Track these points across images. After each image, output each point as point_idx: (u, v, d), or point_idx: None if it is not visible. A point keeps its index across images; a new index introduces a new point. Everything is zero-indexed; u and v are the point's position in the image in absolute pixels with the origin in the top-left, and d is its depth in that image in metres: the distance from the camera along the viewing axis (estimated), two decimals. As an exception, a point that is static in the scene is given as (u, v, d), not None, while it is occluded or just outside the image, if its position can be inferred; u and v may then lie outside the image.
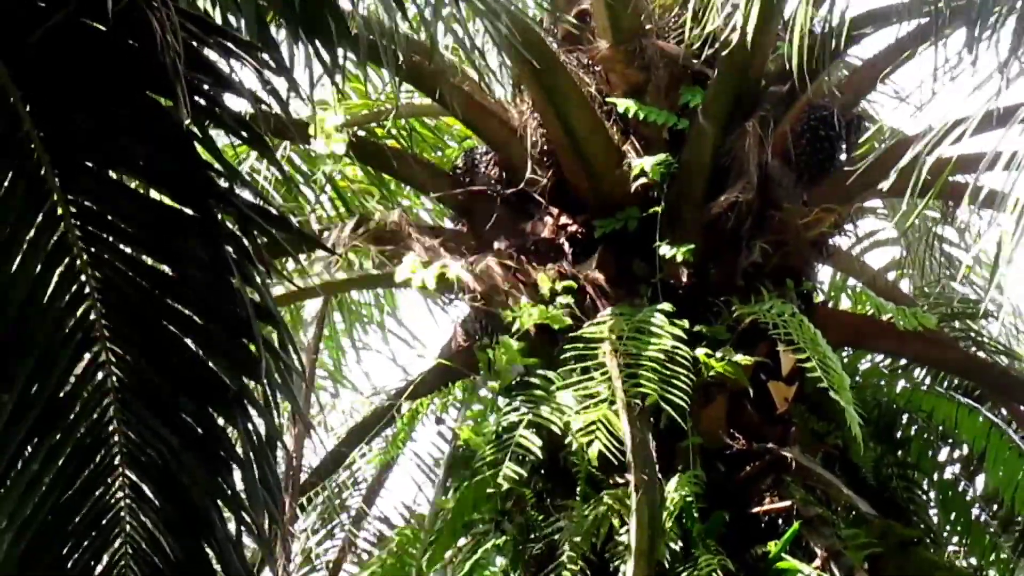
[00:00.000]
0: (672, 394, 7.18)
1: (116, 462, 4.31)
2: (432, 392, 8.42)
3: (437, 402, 8.43)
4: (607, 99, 8.14)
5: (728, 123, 8.00)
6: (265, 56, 4.14)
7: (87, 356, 4.30)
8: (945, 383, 9.21)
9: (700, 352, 7.47)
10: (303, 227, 8.09)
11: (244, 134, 4.17)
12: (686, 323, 7.52)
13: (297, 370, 4.11)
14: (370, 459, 8.71)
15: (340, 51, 4.41)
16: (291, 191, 8.47)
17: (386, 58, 4.84)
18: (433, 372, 8.58)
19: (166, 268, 4.28)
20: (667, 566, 7.18)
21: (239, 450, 4.17)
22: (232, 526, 4.29)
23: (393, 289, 9.80)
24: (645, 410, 7.22)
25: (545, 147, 8.21)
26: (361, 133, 8.47)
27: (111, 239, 4.26)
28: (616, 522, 7.23)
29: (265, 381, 4.02)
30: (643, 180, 7.89)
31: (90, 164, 4.24)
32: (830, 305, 9.37)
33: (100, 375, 4.30)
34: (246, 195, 4.23)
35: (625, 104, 8.02)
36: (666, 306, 7.59)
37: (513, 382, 7.72)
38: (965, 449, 8.97)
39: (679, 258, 7.75)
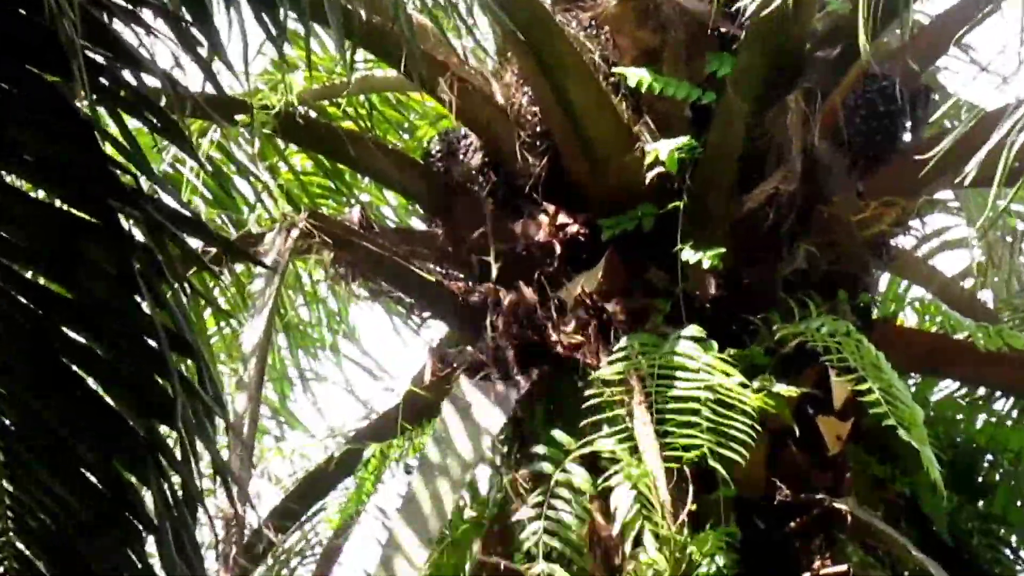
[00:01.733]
0: (723, 446, 7.19)
1: (1, 528, 4.34)
2: (401, 433, 8.42)
3: (407, 444, 8.44)
4: (614, 68, 8.16)
5: (764, 97, 8.02)
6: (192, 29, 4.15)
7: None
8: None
9: (733, 382, 7.47)
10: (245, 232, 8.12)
11: (155, 120, 4.18)
12: (715, 346, 7.54)
13: (219, 412, 4.13)
14: (325, 517, 8.71)
15: (283, 13, 4.42)
16: (223, 187, 8.48)
17: (336, 19, 4.84)
18: (401, 408, 8.58)
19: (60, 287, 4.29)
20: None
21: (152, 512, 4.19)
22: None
23: (349, 306, 9.85)
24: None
25: (538, 128, 8.25)
26: (311, 114, 8.49)
27: (-8, 251, 4.28)
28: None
29: (182, 426, 4.04)
30: (660, 169, 7.91)
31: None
32: (892, 322, 9.39)
33: (-19, 419, 4.32)
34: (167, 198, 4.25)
35: (637, 75, 8.04)
36: (694, 330, 7.59)
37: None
38: (1062, 498, 9.01)
39: (705, 265, 7.77)
